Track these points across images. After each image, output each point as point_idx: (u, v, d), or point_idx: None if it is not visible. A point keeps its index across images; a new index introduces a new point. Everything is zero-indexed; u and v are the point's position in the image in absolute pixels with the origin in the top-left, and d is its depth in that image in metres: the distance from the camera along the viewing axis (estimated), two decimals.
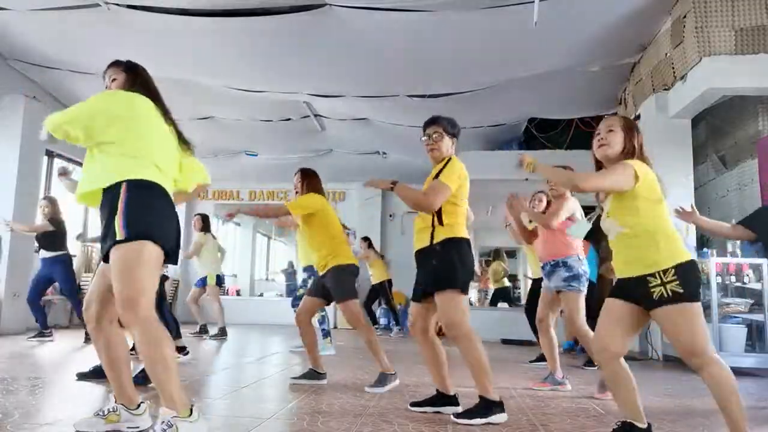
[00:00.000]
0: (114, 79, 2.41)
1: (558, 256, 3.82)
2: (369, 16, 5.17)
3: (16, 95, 6.84)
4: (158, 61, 6.36)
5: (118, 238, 2.05)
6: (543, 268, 3.97)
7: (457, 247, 2.79)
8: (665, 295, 2.09)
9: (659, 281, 2.11)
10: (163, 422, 1.95)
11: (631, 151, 2.29)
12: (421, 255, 2.88)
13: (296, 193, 3.94)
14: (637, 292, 2.17)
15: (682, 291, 2.08)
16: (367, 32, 5.54)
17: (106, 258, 2.14)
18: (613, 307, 2.25)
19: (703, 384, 2.12)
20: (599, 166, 2.40)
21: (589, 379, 4.30)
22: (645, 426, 2.18)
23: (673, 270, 2.10)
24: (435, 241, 2.80)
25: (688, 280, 2.10)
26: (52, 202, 6.14)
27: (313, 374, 3.75)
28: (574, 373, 4.61)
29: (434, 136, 2.96)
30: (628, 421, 2.19)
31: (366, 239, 9.21)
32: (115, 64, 2.48)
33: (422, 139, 2.99)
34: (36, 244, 6.02)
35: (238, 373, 4.29)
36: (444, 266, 2.75)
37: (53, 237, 6.03)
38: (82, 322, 5.83)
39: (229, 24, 5.38)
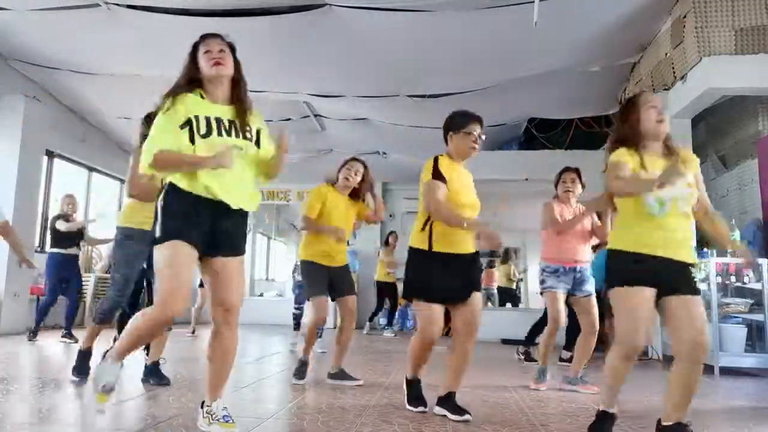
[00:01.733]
0: (222, 50, 2.27)
1: (588, 260, 3.94)
2: (369, 16, 5.17)
3: (16, 95, 6.83)
4: (158, 61, 6.35)
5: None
6: (574, 270, 3.90)
7: None
8: (694, 284, 2.23)
9: (695, 271, 2.26)
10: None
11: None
12: (467, 258, 2.85)
13: (351, 184, 3.84)
14: (679, 277, 2.21)
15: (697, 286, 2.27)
16: (367, 32, 5.54)
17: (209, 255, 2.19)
18: (647, 296, 2.21)
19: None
20: (629, 142, 2.33)
21: (592, 380, 4.30)
22: (615, 411, 2.40)
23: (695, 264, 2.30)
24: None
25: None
26: (75, 199, 6.15)
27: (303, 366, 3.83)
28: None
29: (481, 138, 2.88)
30: (602, 409, 2.39)
31: (393, 233, 9.21)
32: (221, 37, 2.33)
33: (474, 134, 2.83)
34: (46, 241, 5.99)
35: (238, 373, 4.28)
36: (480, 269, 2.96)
37: (81, 235, 6.08)
38: (69, 322, 5.86)
39: (229, 24, 5.37)
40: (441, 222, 2.73)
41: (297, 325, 6.50)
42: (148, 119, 2.94)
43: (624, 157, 2.30)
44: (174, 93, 2.19)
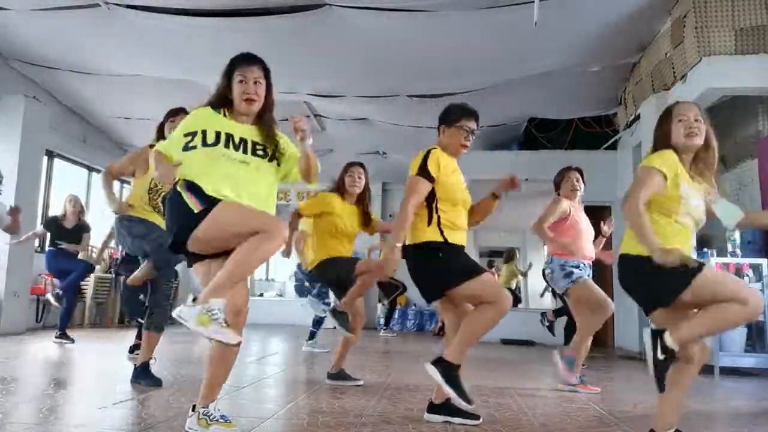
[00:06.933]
0: (257, 82, 2.32)
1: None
2: (369, 16, 5.17)
3: (16, 95, 6.83)
4: (158, 61, 6.35)
5: None
6: (585, 267, 3.89)
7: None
8: None
9: None
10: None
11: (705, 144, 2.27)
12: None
13: (359, 188, 3.83)
14: None
15: None
16: (368, 32, 5.54)
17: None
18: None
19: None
20: (667, 149, 2.25)
21: (592, 380, 4.30)
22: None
23: None
24: None
25: None
26: (70, 200, 6.14)
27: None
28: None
29: (473, 134, 2.77)
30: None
31: None
32: (260, 64, 2.34)
33: (466, 129, 2.72)
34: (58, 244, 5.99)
35: (238, 373, 4.28)
36: None
37: (76, 238, 6.07)
38: (64, 321, 5.70)
39: (229, 24, 5.38)
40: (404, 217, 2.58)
41: (316, 331, 5.92)
42: (170, 114, 3.45)
43: (668, 162, 2.22)
44: (197, 108, 2.38)
